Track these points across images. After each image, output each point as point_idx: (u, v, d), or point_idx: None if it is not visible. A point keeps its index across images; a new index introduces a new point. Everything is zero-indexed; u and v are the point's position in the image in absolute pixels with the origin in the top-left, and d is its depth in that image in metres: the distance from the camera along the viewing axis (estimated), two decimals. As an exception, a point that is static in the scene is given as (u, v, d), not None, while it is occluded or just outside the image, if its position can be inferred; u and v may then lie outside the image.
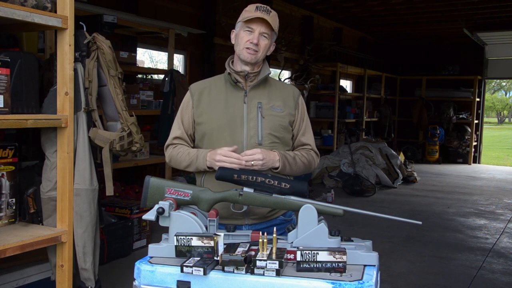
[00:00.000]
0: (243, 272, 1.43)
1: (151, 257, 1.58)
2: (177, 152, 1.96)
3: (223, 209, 1.82)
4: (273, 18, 1.91)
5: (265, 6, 1.91)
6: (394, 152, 9.00)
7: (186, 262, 1.46)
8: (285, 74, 8.85)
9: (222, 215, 1.84)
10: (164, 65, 6.59)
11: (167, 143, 2.03)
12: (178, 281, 1.47)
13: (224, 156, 1.77)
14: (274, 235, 1.51)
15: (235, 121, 1.92)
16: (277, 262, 1.41)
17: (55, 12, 2.23)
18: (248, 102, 1.94)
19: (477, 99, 12.04)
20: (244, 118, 1.92)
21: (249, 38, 1.90)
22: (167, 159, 2.02)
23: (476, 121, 12.13)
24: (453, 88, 12.21)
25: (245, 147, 1.90)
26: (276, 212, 1.99)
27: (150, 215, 1.59)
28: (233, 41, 1.98)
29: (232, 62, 2.00)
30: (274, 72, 8.25)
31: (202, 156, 1.86)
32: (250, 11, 1.90)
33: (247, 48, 1.90)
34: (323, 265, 1.45)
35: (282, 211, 1.99)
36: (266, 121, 1.93)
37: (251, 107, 1.94)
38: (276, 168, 1.87)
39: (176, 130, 2.02)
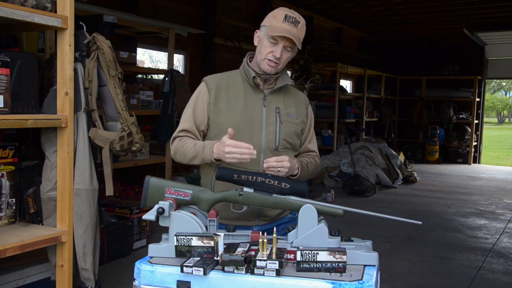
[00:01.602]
0: (243, 272, 1.43)
1: (151, 257, 1.58)
2: (183, 144, 1.86)
3: (232, 211, 1.78)
4: (300, 30, 1.85)
5: (294, 16, 1.84)
6: (394, 152, 9.00)
7: (186, 262, 1.46)
8: (285, 74, 8.84)
9: (233, 216, 1.83)
10: (164, 65, 6.59)
11: (173, 135, 1.93)
12: (178, 281, 1.47)
13: (234, 148, 1.67)
14: (274, 235, 1.51)
15: (254, 124, 1.89)
16: (277, 262, 1.41)
17: (55, 12, 2.23)
18: (267, 105, 1.92)
19: (477, 99, 12.04)
20: (263, 121, 1.90)
21: (272, 50, 1.84)
22: (172, 151, 1.91)
23: (476, 121, 12.14)
24: (453, 88, 12.21)
25: (262, 151, 1.88)
26: (284, 211, 1.99)
27: (150, 215, 1.58)
28: (255, 42, 1.93)
29: (250, 59, 1.97)
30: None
31: (208, 147, 1.76)
32: (278, 20, 1.83)
33: (269, 59, 1.85)
34: (323, 265, 1.45)
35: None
36: (283, 127, 1.92)
37: (270, 111, 1.92)
38: (294, 175, 1.85)
39: (185, 122, 1.92)
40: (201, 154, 1.79)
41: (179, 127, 1.93)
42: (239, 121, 1.88)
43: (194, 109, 1.92)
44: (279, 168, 1.75)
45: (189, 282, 1.46)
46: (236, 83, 1.95)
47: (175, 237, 1.52)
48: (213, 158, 1.75)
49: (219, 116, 1.89)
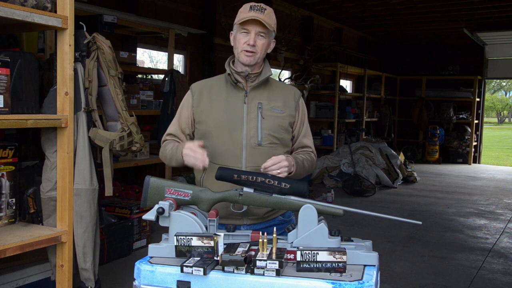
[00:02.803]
0: (243, 272, 1.43)
1: (151, 257, 1.58)
2: (165, 147, 1.98)
3: (222, 209, 1.81)
4: (268, 16, 1.88)
5: (259, 4, 1.89)
6: (394, 152, 9.01)
7: (186, 262, 1.46)
8: (285, 74, 8.85)
9: (221, 214, 1.84)
10: (164, 65, 6.59)
11: (162, 139, 2.05)
12: (178, 281, 1.47)
13: (189, 150, 1.78)
14: (274, 235, 1.51)
15: (234, 121, 1.91)
16: (277, 262, 1.41)
17: (55, 12, 2.24)
18: (248, 102, 1.93)
19: (477, 99, 12.05)
20: (244, 118, 1.91)
21: (245, 40, 1.88)
22: (159, 154, 2.03)
23: (476, 121, 12.14)
24: (453, 88, 12.22)
25: (244, 147, 1.89)
26: (274, 212, 1.98)
27: (150, 215, 1.58)
28: (232, 43, 1.97)
29: (233, 62, 1.99)
30: (274, 72, 8.24)
31: (180, 149, 1.86)
32: (244, 12, 1.88)
33: (245, 50, 1.88)
34: (323, 265, 1.45)
35: (281, 211, 1.99)
36: (266, 121, 1.92)
37: (251, 107, 1.93)
38: (290, 173, 1.84)
39: (171, 126, 2.03)
40: (175, 155, 1.89)
41: (166, 131, 2.04)
42: (220, 120, 1.92)
43: (180, 114, 2.02)
44: (278, 170, 1.76)
45: (189, 282, 1.46)
46: (219, 85, 2.00)
47: (175, 237, 1.52)
48: (182, 158, 1.83)
49: (201, 117, 1.95)
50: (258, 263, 1.42)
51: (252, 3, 1.89)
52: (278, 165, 1.76)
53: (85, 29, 2.55)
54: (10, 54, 2.14)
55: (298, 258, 1.46)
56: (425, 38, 12.19)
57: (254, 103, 1.93)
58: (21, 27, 2.39)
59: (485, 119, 13.82)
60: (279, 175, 1.76)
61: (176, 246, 1.52)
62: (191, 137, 2.02)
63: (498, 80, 34.04)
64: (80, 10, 3.60)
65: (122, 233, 4.13)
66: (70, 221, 2.34)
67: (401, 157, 9.20)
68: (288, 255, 1.52)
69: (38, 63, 2.39)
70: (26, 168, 2.65)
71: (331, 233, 1.56)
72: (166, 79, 4.83)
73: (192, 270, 1.43)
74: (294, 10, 8.59)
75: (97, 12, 3.76)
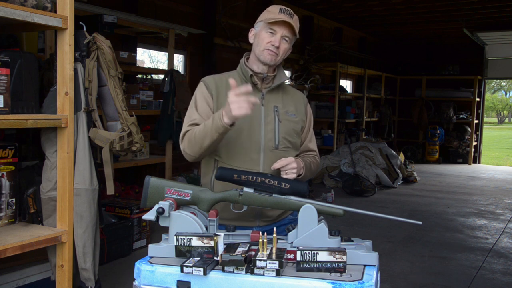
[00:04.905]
0: (243, 272, 1.43)
1: (151, 257, 1.58)
2: (192, 131, 1.80)
3: (232, 211, 1.77)
4: (296, 22, 1.89)
5: (289, 9, 1.89)
6: (394, 152, 9.00)
7: (186, 262, 1.46)
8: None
9: (232, 217, 1.83)
10: (164, 65, 6.59)
11: (182, 132, 1.86)
12: (178, 281, 1.47)
13: (235, 97, 1.61)
14: (274, 235, 1.51)
15: (253, 123, 1.89)
16: (277, 262, 1.41)
17: (55, 12, 2.24)
18: (265, 105, 1.92)
19: (477, 99, 12.05)
20: (261, 120, 1.90)
21: (270, 40, 1.87)
22: (183, 146, 1.83)
23: (476, 121, 12.14)
24: (453, 88, 12.22)
25: (262, 150, 1.88)
26: (285, 212, 1.99)
27: (150, 215, 1.58)
28: (251, 40, 1.95)
29: (247, 59, 1.98)
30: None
31: (217, 114, 1.68)
32: (273, 13, 1.88)
33: (268, 49, 1.87)
34: (323, 265, 1.45)
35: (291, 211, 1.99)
36: (282, 125, 1.92)
37: (268, 110, 1.92)
38: (299, 175, 1.84)
39: (190, 119, 1.87)
40: (210, 126, 1.71)
41: (187, 123, 1.88)
42: (239, 121, 1.87)
43: (197, 106, 1.89)
44: (286, 171, 1.77)
45: (189, 282, 1.46)
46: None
47: (175, 237, 1.52)
48: (223, 121, 1.66)
49: None
50: (258, 263, 1.42)
51: (282, 6, 1.90)
52: (287, 166, 1.77)
53: (85, 29, 2.55)
54: (10, 54, 2.14)
55: (298, 258, 1.46)
56: (425, 38, 12.19)
57: (270, 106, 1.93)
58: (21, 27, 2.39)
59: (485, 119, 13.82)
60: (287, 176, 1.76)
61: (176, 246, 1.52)
62: None
63: (498, 80, 34.06)
64: (80, 10, 3.60)
65: (122, 233, 4.13)
66: (70, 221, 2.33)
67: (401, 157, 9.20)
68: (288, 255, 1.52)
69: (38, 63, 2.39)
70: (26, 168, 2.65)
71: (331, 233, 1.56)
72: (166, 79, 4.83)
73: (192, 270, 1.43)
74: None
75: (97, 12, 3.76)
